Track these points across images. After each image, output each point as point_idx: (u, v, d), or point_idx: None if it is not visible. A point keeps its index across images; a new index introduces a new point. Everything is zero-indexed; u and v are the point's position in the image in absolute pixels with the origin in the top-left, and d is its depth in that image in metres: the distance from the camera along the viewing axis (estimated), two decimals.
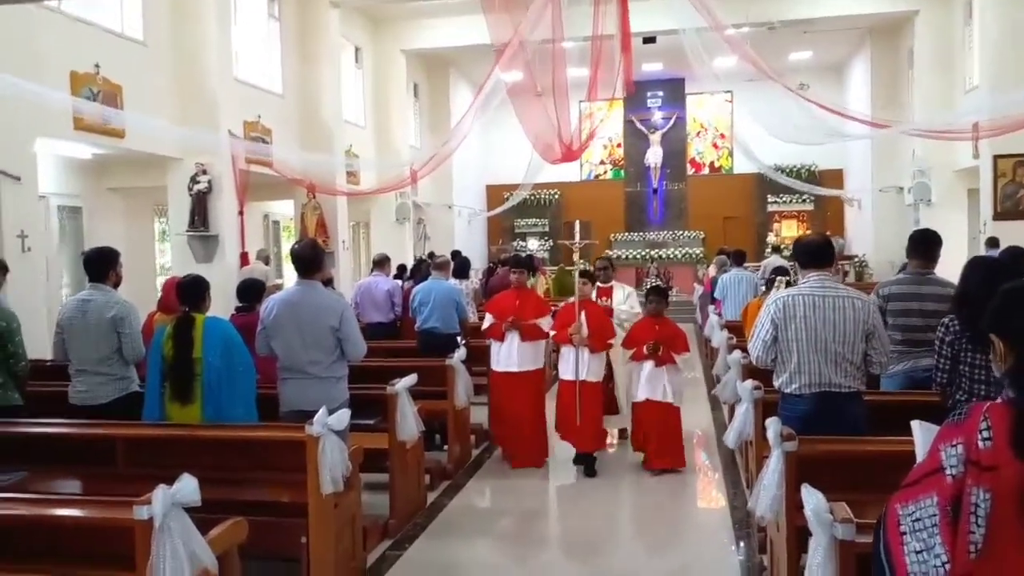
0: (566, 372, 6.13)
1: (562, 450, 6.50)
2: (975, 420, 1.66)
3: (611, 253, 20.96)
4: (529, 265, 6.74)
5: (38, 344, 6.33)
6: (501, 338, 6.31)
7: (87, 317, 4.56)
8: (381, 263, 8.69)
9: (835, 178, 20.48)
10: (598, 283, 6.83)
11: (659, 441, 6.03)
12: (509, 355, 6.29)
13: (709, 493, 5.96)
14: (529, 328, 6.28)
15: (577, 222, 6.47)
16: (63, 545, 3.16)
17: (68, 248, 10.56)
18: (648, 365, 5.98)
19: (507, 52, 8.15)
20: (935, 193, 14.11)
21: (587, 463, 6.15)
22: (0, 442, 4.30)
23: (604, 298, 6.80)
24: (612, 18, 8.42)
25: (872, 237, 17.41)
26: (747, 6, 13.93)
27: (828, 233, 20.03)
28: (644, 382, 5.99)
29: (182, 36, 10.49)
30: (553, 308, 6.89)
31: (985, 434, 1.62)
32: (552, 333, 6.30)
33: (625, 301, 6.82)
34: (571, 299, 6.24)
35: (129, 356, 4.64)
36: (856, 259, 17.87)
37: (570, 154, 9.85)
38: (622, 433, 6.97)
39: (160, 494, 2.64)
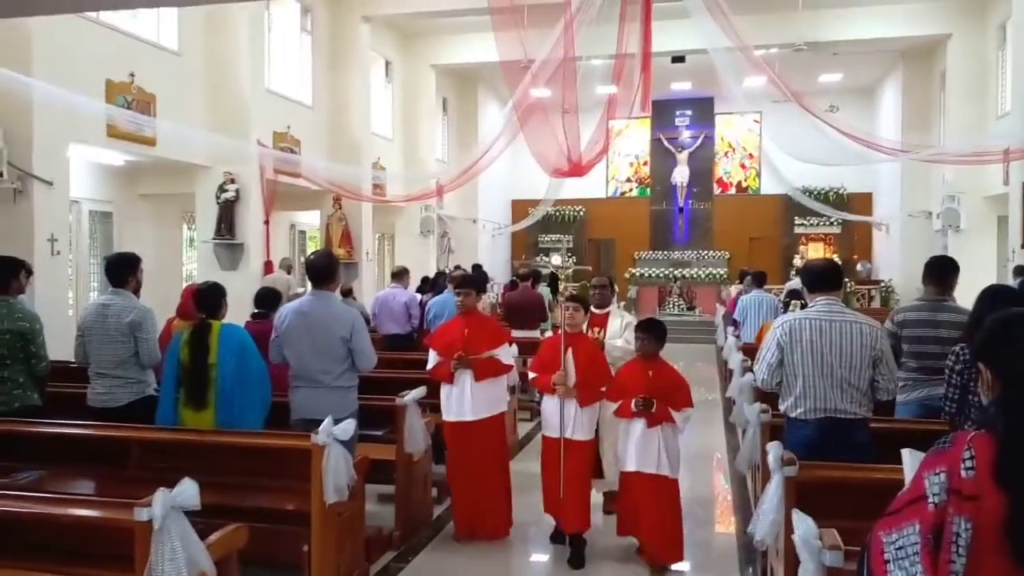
0: (549, 427, 4.83)
1: (530, 515, 5.25)
2: (959, 449, 1.65)
3: (634, 271, 20.96)
4: (478, 284, 5.42)
5: (66, 346, 6.47)
6: (450, 379, 4.96)
7: (107, 321, 4.66)
8: (399, 275, 8.78)
9: (864, 201, 20.29)
10: (592, 309, 5.38)
11: (652, 527, 4.58)
12: (461, 400, 4.94)
13: (717, 517, 5.90)
14: (484, 364, 4.94)
15: (566, 238, 5.46)
16: (70, 543, 3.23)
17: (98, 252, 10.79)
18: (638, 425, 4.49)
19: (530, 70, 8.20)
20: (964, 219, 13.91)
21: (572, 547, 4.73)
22: (19, 442, 4.40)
23: (597, 328, 5.37)
24: (637, 37, 8.46)
25: (900, 262, 17.18)
26: (776, 27, 13.91)
27: (855, 257, 19.95)
28: (633, 447, 4.52)
29: (216, 47, 10.73)
30: (533, 339, 6.02)
31: (968, 463, 1.62)
32: (531, 376, 4.99)
33: (621, 334, 5.29)
34: (546, 331, 5.50)
35: (146, 360, 4.73)
36: (882, 284, 17.66)
37: (577, 169, 9.85)
38: (607, 501, 5.41)
39: (160, 497, 2.70)
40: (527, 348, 7.17)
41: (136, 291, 4.87)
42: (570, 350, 4.68)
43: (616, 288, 6.23)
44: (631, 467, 4.57)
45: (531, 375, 4.98)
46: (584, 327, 5.15)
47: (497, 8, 7.28)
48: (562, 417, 4.68)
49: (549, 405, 4.81)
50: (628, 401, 4.50)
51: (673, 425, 4.49)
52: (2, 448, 4.38)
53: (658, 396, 4.43)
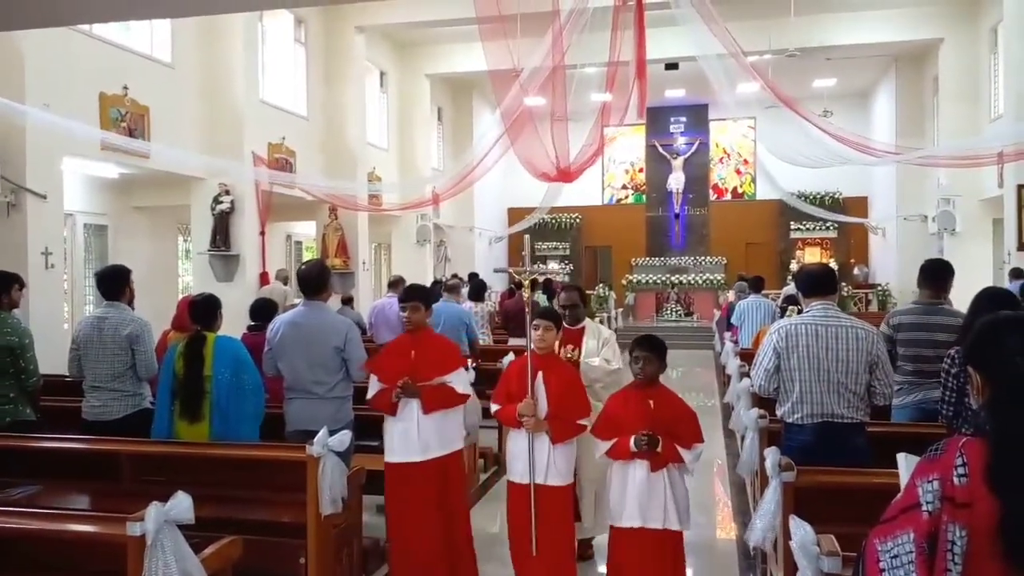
0: (515, 470, 3.93)
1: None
2: (951, 455, 1.64)
3: (631, 277, 20.97)
4: (426, 296, 4.56)
5: (61, 360, 6.45)
6: (392, 410, 4.10)
7: (103, 334, 4.64)
8: (395, 284, 8.76)
9: (859, 205, 20.35)
10: (564, 324, 4.43)
11: None
12: (406, 437, 4.09)
13: (718, 523, 5.88)
14: (433, 393, 4.09)
15: (527, 238, 4.34)
16: (64, 558, 3.20)
17: (93, 265, 10.77)
18: (639, 469, 3.56)
19: (519, 79, 8.21)
20: (960, 222, 13.95)
21: None
22: (13, 456, 4.38)
23: (571, 346, 4.57)
24: (630, 44, 8.48)
25: (896, 266, 17.22)
26: (769, 33, 13.95)
27: (852, 261, 19.99)
28: (634, 497, 3.56)
29: (209, 59, 10.74)
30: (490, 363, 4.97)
31: (961, 470, 1.61)
32: (494, 408, 4.09)
33: (599, 352, 4.55)
34: (510, 353, 4.75)
35: (143, 373, 4.72)
36: (879, 288, 17.68)
37: (565, 175, 9.86)
38: (583, 550, 4.65)
39: (153, 511, 2.68)
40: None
41: (130, 302, 4.86)
42: (540, 374, 3.88)
43: (587, 300, 5.17)
44: (630, 522, 3.58)
45: (493, 407, 4.09)
46: (556, 346, 4.31)
47: (486, 17, 7.29)
48: (532, 458, 3.81)
49: (516, 443, 3.92)
50: (625, 439, 3.55)
51: (681, 466, 3.59)
52: None
53: (662, 431, 3.52)
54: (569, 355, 4.52)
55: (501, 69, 8.15)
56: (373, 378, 4.23)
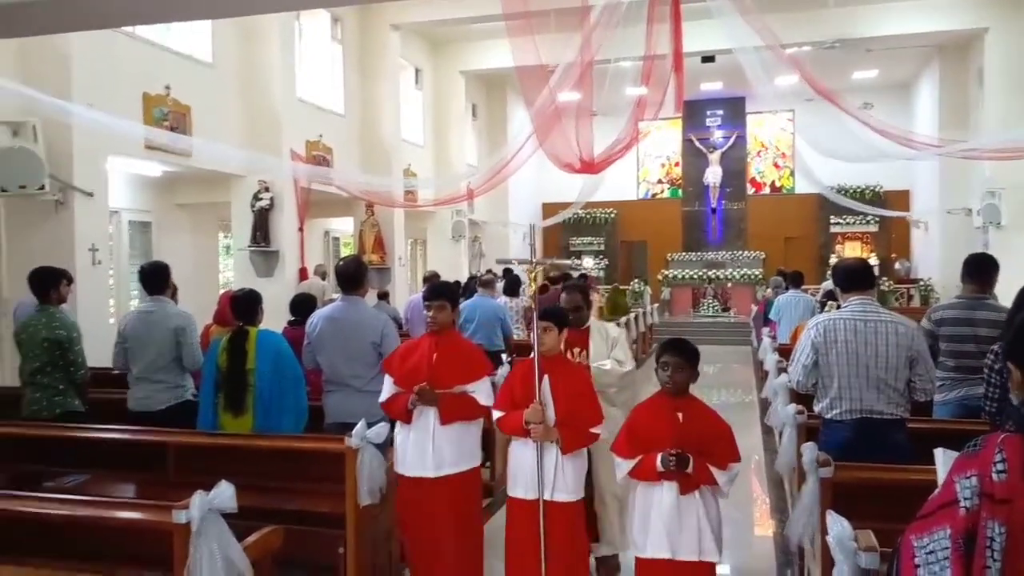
0: (519, 484, 3.53)
1: None
2: (990, 451, 1.62)
3: (667, 273, 20.82)
4: (452, 295, 4.04)
5: (107, 353, 6.63)
6: (407, 418, 3.72)
7: (149, 327, 4.79)
8: (430, 280, 8.83)
9: (901, 199, 19.96)
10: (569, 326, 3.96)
11: None
12: (421, 448, 3.68)
13: (755, 519, 5.85)
14: (453, 402, 3.69)
15: (531, 226, 4.03)
16: (112, 546, 3.31)
17: (138, 261, 11.02)
18: (668, 492, 3.13)
19: (555, 74, 8.21)
20: (1005, 215, 13.60)
21: None
22: (62, 446, 4.53)
23: (577, 349, 4.16)
24: (666, 37, 8.43)
25: (939, 260, 16.85)
26: (808, 25, 13.75)
27: (894, 255, 19.62)
28: (661, 524, 3.13)
29: (248, 58, 10.91)
30: (493, 372, 4.44)
31: (1000, 466, 1.59)
32: (496, 415, 3.66)
33: (609, 353, 4.17)
34: (519, 355, 4.39)
35: (188, 364, 4.85)
36: (922, 283, 17.33)
37: (589, 167, 9.84)
38: (602, 570, 4.15)
39: (198, 500, 2.76)
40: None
41: (173, 297, 5.01)
42: (547, 378, 3.50)
43: (592, 299, 4.59)
44: (658, 552, 3.12)
45: (495, 414, 3.65)
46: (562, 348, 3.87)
47: (513, 14, 7.29)
48: (540, 470, 3.40)
49: (520, 455, 3.51)
50: (650, 457, 3.11)
51: (715, 488, 3.14)
52: (47, 453, 4.51)
53: (693, 449, 3.08)
54: (576, 359, 4.13)
55: (528, 65, 8.15)
56: (388, 379, 3.86)
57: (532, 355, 3.52)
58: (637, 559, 3.26)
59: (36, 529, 3.38)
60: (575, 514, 3.50)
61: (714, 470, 3.10)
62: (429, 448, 3.67)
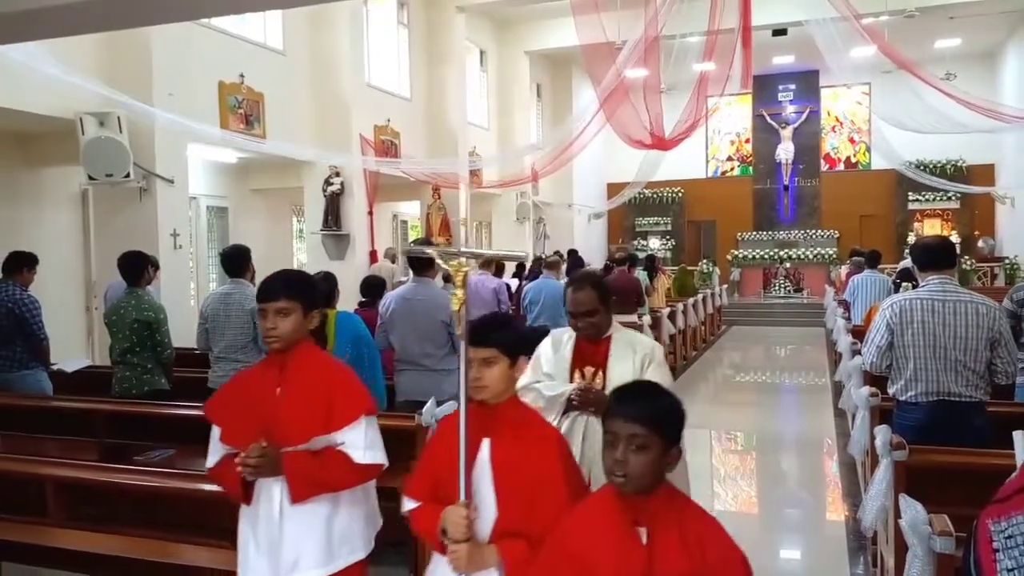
0: None
1: None
2: None
3: (737, 253, 20.41)
4: (304, 291, 2.51)
5: (188, 334, 6.94)
6: (245, 496, 2.41)
7: (229, 309, 4.97)
8: (487, 263, 8.91)
9: (985, 174, 19.06)
10: (576, 336, 2.92)
11: None
12: (262, 544, 2.39)
13: (827, 504, 5.75)
14: (305, 465, 2.35)
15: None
16: (196, 516, 3.48)
17: (216, 245, 11.43)
18: None
19: (623, 51, 8.12)
20: None
21: None
22: (150, 422, 4.76)
23: (591, 370, 2.83)
24: (734, 11, 8.24)
25: None
26: None
27: (977, 233, 18.80)
28: None
29: (318, 45, 11.14)
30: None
31: None
32: (407, 505, 2.26)
33: (639, 375, 2.71)
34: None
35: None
36: (1007, 261, 16.58)
37: (660, 143, 9.71)
38: None
39: None
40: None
41: (252, 279, 5.18)
42: (486, 446, 2.11)
43: (609, 302, 2.89)
44: None
45: (406, 504, 2.26)
46: (521, 381, 2.57)
47: None
48: None
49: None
50: None
51: None
52: (136, 428, 4.74)
53: None
54: (591, 381, 2.81)
55: (594, 43, 8.10)
56: (214, 433, 2.50)
57: (459, 406, 2.05)
58: None
59: (125, 500, 3.57)
60: None
61: None
62: (277, 541, 2.35)
